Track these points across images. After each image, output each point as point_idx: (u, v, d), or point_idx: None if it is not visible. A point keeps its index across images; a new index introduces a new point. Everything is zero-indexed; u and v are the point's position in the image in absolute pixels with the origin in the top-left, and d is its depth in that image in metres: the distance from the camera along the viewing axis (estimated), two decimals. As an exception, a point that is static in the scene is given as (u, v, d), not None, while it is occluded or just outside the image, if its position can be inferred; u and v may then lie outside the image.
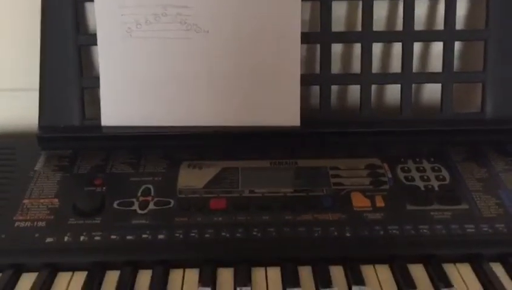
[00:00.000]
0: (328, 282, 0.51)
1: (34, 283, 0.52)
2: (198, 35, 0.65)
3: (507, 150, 0.66)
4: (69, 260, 0.54)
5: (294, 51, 0.65)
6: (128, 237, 0.55)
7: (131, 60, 0.65)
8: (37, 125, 0.67)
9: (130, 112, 0.66)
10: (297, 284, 0.51)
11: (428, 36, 0.68)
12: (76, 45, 0.66)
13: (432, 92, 0.71)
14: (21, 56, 0.70)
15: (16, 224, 0.56)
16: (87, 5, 0.67)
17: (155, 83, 0.66)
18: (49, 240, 0.55)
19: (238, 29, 0.65)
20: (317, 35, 0.67)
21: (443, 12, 0.67)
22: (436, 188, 0.61)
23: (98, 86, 0.66)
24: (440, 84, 0.67)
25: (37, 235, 0.55)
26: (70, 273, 0.54)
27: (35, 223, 0.57)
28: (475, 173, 0.63)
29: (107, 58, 0.65)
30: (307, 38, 0.66)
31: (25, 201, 0.59)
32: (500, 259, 0.54)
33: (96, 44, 0.65)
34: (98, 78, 0.66)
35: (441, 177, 0.62)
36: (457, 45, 0.68)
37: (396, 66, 0.69)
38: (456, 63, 0.68)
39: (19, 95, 0.72)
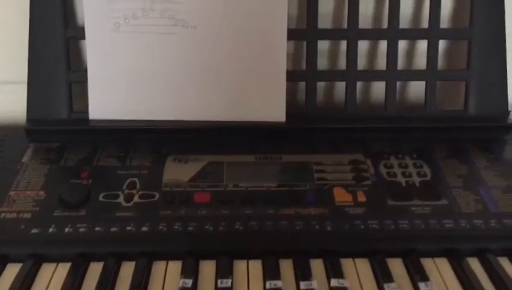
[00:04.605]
0: (308, 275, 0.52)
1: (19, 273, 0.53)
2: (185, 31, 0.66)
3: (489, 147, 0.67)
4: (53, 251, 0.55)
5: (281, 47, 0.66)
6: (113, 229, 0.56)
7: (119, 54, 0.66)
8: (25, 118, 0.67)
9: (117, 106, 0.67)
10: (278, 277, 0.52)
11: (413, 34, 0.69)
12: (64, 38, 0.67)
13: (416, 89, 0.72)
14: (10, 49, 0.71)
15: (2, 215, 0.57)
16: (76, -2, 0.68)
17: (142, 78, 0.66)
18: (34, 231, 0.56)
19: (225, 25, 0.65)
20: (303, 32, 0.68)
21: (428, 10, 0.67)
22: (417, 184, 0.61)
23: (86, 80, 0.66)
24: (424, 82, 0.68)
25: (22, 226, 0.56)
26: (54, 264, 0.54)
27: (21, 214, 0.57)
28: (456, 169, 0.64)
29: (95, 52, 0.66)
30: (293, 34, 0.67)
31: (11, 193, 0.60)
32: (477, 254, 0.55)
33: (84, 38, 0.66)
34: (85, 72, 0.66)
35: (422, 173, 0.63)
36: (442, 43, 0.69)
37: (381, 63, 0.70)
38: (441, 61, 0.69)
39: (7, 87, 0.72)
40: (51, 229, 0.56)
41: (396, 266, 0.54)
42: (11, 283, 0.52)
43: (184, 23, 0.66)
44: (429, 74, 0.68)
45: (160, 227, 0.56)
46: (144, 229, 0.56)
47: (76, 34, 0.67)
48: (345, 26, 0.68)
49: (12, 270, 0.53)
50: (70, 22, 0.67)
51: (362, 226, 0.56)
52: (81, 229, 0.56)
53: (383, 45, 0.69)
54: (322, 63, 0.71)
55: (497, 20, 0.67)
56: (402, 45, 0.69)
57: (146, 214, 0.57)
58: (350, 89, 0.68)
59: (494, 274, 0.53)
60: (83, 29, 0.66)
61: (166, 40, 0.66)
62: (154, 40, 0.66)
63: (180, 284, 0.51)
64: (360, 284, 0.52)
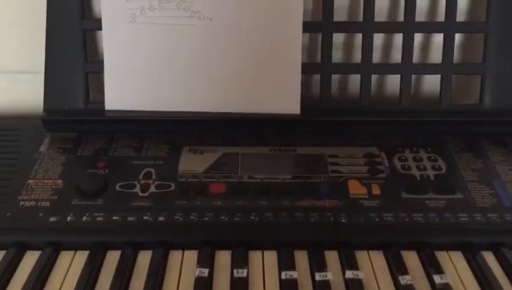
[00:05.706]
0: (323, 266, 0.53)
1: (38, 261, 0.53)
2: (201, 23, 0.66)
3: (504, 141, 0.67)
4: (71, 240, 0.56)
5: (296, 39, 0.66)
6: (130, 219, 0.57)
7: (135, 45, 0.66)
8: (41, 108, 0.68)
9: (133, 97, 0.67)
10: (293, 268, 0.53)
11: (429, 27, 0.69)
12: (81, 29, 0.67)
13: (431, 82, 0.72)
14: (27, 39, 0.71)
15: (21, 203, 0.58)
16: (93, -11, 0.68)
17: (158, 69, 0.67)
18: (52, 219, 0.56)
19: (241, 17, 0.66)
20: (319, 24, 0.67)
21: (444, 4, 0.67)
22: (432, 178, 0.62)
23: (103, 71, 0.67)
24: (439, 76, 0.68)
25: (41, 214, 0.57)
26: (72, 252, 0.55)
27: (39, 203, 0.58)
28: (471, 163, 0.64)
29: (112, 43, 0.66)
30: (308, 27, 0.67)
31: (30, 181, 0.60)
32: (492, 248, 0.55)
33: (101, 29, 0.66)
34: (102, 63, 0.67)
35: (437, 166, 0.63)
36: (458, 36, 0.69)
37: (397, 56, 0.70)
38: (456, 54, 0.69)
39: (23, 77, 0.73)
40: (69, 218, 0.56)
41: (411, 258, 0.54)
42: (30, 270, 0.52)
43: (200, 14, 0.66)
44: (445, 68, 0.68)
45: (176, 217, 0.57)
46: (161, 219, 0.57)
47: (93, 25, 0.67)
48: (361, 19, 0.68)
49: (31, 257, 0.54)
50: (87, 12, 0.68)
51: (377, 219, 0.57)
52: (99, 218, 0.56)
53: (398, 38, 0.69)
54: (337, 56, 0.71)
55: (514, 14, 0.67)
56: (417, 38, 0.69)
57: (162, 204, 0.58)
58: (365, 82, 0.68)
59: (509, 268, 0.53)
60: (99, 20, 0.66)
61: (182, 32, 0.66)
62: (170, 31, 0.66)
63: (197, 273, 0.52)
64: (375, 276, 0.53)
